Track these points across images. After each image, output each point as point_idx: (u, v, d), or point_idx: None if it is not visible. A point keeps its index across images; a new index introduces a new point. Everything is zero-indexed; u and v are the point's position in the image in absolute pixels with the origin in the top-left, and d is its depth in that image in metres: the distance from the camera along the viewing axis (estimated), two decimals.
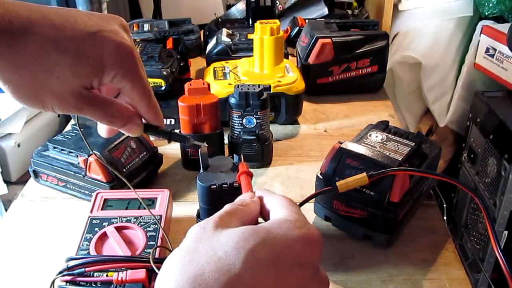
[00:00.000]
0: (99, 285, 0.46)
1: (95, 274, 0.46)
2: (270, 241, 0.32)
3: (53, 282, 0.47)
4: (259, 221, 0.38)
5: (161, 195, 0.58)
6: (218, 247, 0.31)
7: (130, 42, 0.40)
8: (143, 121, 0.44)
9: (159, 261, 0.47)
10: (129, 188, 0.55)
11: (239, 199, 0.38)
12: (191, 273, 0.30)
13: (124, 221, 0.54)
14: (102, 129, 0.45)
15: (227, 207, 0.36)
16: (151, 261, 0.46)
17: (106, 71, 0.38)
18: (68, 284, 0.46)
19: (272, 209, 0.37)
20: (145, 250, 0.50)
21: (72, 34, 0.36)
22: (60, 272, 0.46)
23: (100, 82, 0.39)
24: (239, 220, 0.35)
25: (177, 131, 0.50)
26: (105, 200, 0.58)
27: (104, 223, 0.53)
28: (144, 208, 0.56)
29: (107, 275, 0.46)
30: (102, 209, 0.56)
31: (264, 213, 0.38)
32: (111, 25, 0.39)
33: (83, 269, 0.46)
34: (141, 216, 0.54)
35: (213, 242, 0.31)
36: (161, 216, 0.55)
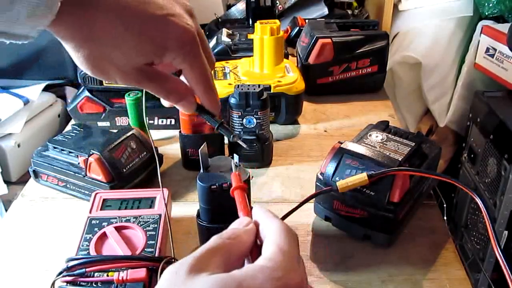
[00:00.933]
0: (100, 285, 0.46)
1: (95, 274, 0.46)
2: None
3: (53, 284, 0.46)
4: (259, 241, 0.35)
5: (160, 194, 0.58)
6: None
7: (194, 27, 0.42)
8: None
9: (160, 260, 0.47)
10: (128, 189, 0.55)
11: (231, 228, 0.35)
12: None
13: (123, 221, 0.54)
14: (165, 101, 0.47)
15: (212, 241, 0.33)
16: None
17: (167, 53, 0.40)
18: (68, 284, 0.46)
19: (265, 241, 0.33)
20: (145, 249, 0.50)
21: (139, 14, 0.38)
22: (60, 273, 0.46)
23: (161, 61, 0.41)
24: (221, 260, 0.31)
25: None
26: (104, 200, 0.57)
27: (103, 223, 0.53)
28: (143, 208, 0.56)
29: (107, 275, 0.46)
30: (101, 209, 0.56)
31: (260, 240, 0.35)
32: (178, 9, 0.41)
33: (83, 269, 0.46)
34: (140, 216, 0.54)
35: None
36: (160, 215, 0.55)
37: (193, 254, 0.31)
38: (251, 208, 0.38)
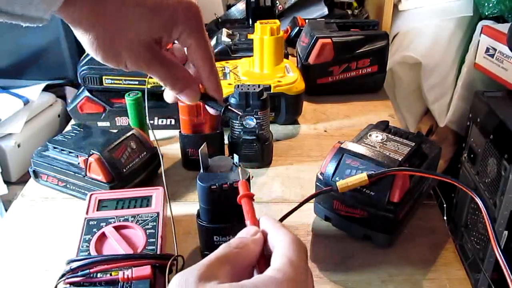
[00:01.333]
0: (104, 285, 0.45)
1: (98, 274, 0.46)
2: None
3: (56, 286, 0.45)
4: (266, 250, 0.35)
5: (156, 193, 0.58)
6: None
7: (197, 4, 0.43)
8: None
9: (163, 257, 0.47)
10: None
11: (238, 237, 0.35)
12: None
13: (121, 220, 0.54)
14: (169, 96, 0.47)
15: (220, 249, 0.33)
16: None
17: (175, 26, 0.41)
18: (72, 286, 0.45)
19: (274, 252, 0.33)
20: (146, 247, 0.50)
21: None
22: (63, 275, 0.46)
23: (169, 37, 0.42)
24: (230, 269, 0.31)
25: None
26: (100, 201, 0.57)
27: (101, 224, 0.53)
28: (140, 207, 0.56)
29: (110, 275, 0.46)
30: (97, 210, 0.56)
31: (267, 250, 0.35)
32: None
33: (87, 270, 0.46)
34: (138, 215, 0.54)
35: None
36: (158, 213, 0.55)
37: (202, 262, 0.31)
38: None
